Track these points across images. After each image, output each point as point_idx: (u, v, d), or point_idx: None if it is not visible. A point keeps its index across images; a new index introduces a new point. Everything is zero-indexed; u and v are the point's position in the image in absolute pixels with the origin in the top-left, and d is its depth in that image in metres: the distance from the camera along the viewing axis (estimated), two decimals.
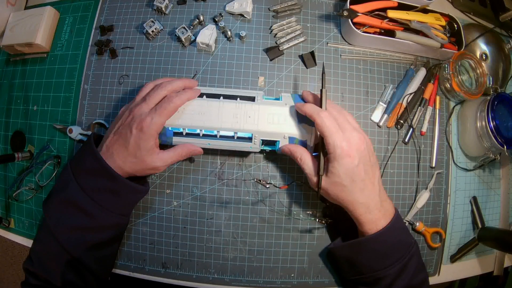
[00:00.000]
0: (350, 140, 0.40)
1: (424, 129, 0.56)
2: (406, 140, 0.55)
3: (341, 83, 0.56)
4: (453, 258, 0.56)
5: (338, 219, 0.51)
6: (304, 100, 0.47)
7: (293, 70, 0.55)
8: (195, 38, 0.54)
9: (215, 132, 0.46)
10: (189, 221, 0.52)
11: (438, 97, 0.57)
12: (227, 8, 0.57)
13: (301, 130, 0.45)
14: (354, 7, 0.53)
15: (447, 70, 0.56)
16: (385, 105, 0.56)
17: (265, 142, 0.48)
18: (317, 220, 0.52)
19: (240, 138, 0.47)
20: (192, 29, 0.56)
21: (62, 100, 0.55)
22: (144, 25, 0.54)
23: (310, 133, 0.45)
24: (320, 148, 0.43)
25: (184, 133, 0.46)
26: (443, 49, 0.55)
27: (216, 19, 0.56)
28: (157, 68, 0.55)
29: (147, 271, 0.51)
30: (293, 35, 0.56)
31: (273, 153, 0.50)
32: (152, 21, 0.55)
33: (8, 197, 0.55)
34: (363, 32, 0.54)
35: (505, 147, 0.51)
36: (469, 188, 0.58)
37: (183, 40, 0.54)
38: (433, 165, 0.56)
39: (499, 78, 0.61)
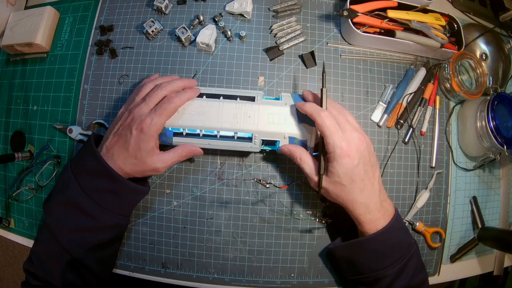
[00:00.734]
0: (350, 140, 0.40)
1: (424, 129, 0.56)
2: (406, 140, 0.55)
3: (341, 83, 0.56)
4: (453, 258, 0.56)
5: (338, 219, 0.51)
6: (304, 99, 0.47)
7: (293, 70, 0.55)
8: (195, 38, 0.54)
9: (215, 132, 0.46)
10: (189, 221, 0.52)
11: (438, 97, 0.58)
12: (227, 8, 0.57)
13: (301, 130, 0.45)
14: (354, 7, 0.53)
15: (447, 70, 0.56)
16: (385, 105, 0.56)
17: (265, 142, 0.48)
18: (317, 220, 0.52)
19: (240, 138, 0.47)
20: (192, 29, 0.56)
21: (62, 100, 0.55)
22: (144, 25, 0.54)
23: (310, 133, 0.45)
24: (320, 147, 0.43)
25: (184, 133, 0.46)
26: (443, 49, 0.55)
27: (216, 19, 0.56)
28: (157, 68, 0.55)
29: (147, 271, 0.51)
30: (293, 35, 0.56)
31: (273, 153, 0.50)
32: (152, 21, 0.55)
33: (8, 197, 0.55)
34: (363, 32, 0.54)
35: (505, 147, 0.51)
36: (469, 188, 0.58)
37: (183, 40, 0.54)
38: (433, 165, 0.56)
39: (499, 78, 0.61)
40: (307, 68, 0.55)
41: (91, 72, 0.55)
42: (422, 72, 0.57)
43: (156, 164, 0.43)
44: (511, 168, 0.61)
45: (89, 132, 0.53)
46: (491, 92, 0.58)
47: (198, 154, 0.47)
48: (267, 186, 0.52)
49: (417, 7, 0.54)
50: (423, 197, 0.54)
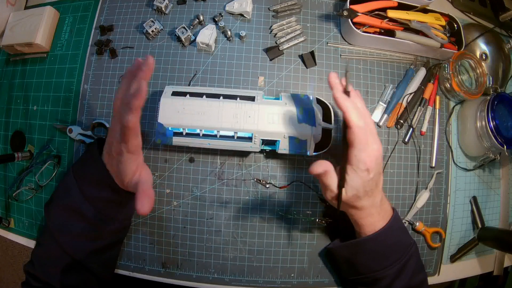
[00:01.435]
0: (371, 154, 0.38)
1: (424, 129, 0.56)
2: (406, 140, 0.55)
3: None
4: (453, 258, 0.56)
5: (338, 219, 0.51)
6: (304, 98, 0.46)
7: (293, 70, 0.55)
8: (195, 38, 0.54)
9: (215, 132, 0.46)
10: (189, 221, 0.52)
11: (438, 97, 0.57)
12: (227, 8, 0.57)
13: (301, 130, 0.45)
14: (354, 7, 0.53)
15: (447, 70, 0.56)
16: (385, 105, 0.56)
17: (265, 142, 0.48)
18: (317, 220, 0.52)
19: (240, 138, 0.47)
20: (192, 29, 0.56)
21: (62, 100, 0.55)
22: (144, 25, 0.54)
23: (310, 133, 0.45)
24: (343, 159, 0.40)
25: (184, 133, 0.46)
26: (443, 49, 0.55)
27: (216, 19, 0.56)
28: (157, 68, 0.55)
29: (147, 271, 0.51)
30: (293, 35, 0.56)
31: (273, 153, 0.50)
32: (152, 21, 0.55)
33: (8, 197, 0.55)
34: (363, 32, 0.54)
35: (505, 147, 0.51)
36: (469, 188, 0.58)
37: (183, 40, 0.54)
38: (433, 165, 0.56)
39: (499, 78, 0.61)
40: (307, 68, 0.55)
41: (91, 72, 0.55)
42: (422, 72, 0.57)
43: (130, 188, 0.40)
44: (511, 168, 0.61)
45: (89, 132, 0.53)
46: (491, 92, 0.58)
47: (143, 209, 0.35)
48: (267, 186, 0.52)
49: (417, 7, 0.54)
50: (423, 197, 0.54)
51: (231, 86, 0.54)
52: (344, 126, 0.39)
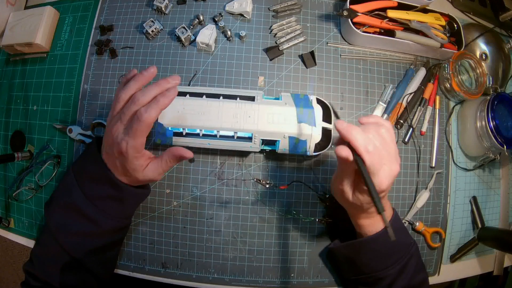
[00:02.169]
0: (386, 176, 0.36)
1: (424, 129, 0.56)
2: (406, 140, 0.55)
3: (341, 83, 0.56)
4: (453, 258, 0.56)
5: (338, 219, 0.51)
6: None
7: (293, 70, 0.55)
8: (195, 38, 0.54)
9: (215, 132, 0.46)
10: (189, 221, 0.52)
11: (438, 97, 0.57)
12: (227, 8, 0.57)
13: (301, 129, 0.45)
14: (354, 7, 0.53)
15: (447, 70, 0.56)
16: (385, 105, 0.56)
17: (265, 142, 0.48)
18: (317, 220, 0.52)
19: (240, 138, 0.47)
20: (192, 29, 0.56)
21: (62, 100, 0.55)
22: (144, 25, 0.54)
23: (310, 133, 0.45)
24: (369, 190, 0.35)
25: (184, 133, 0.46)
26: (443, 49, 0.55)
27: (216, 19, 0.56)
28: (157, 68, 0.54)
29: (147, 271, 0.51)
30: (293, 35, 0.56)
31: (273, 153, 0.50)
32: (152, 21, 0.55)
33: (8, 197, 0.55)
34: (363, 32, 0.54)
35: (505, 147, 0.51)
36: (469, 188, 0.58)
37: (183, 40, 0.54)
38: (433, 165, 0.56)
39: (499, 78, 0.61)
40: (307, 68, 0.55)
41: (91, 72, 0.55)
42: (422, 72, 0.57)
43: (148, 177, 0.41)
44: (511, 168, 0.61)
45: (89, 132, 0.53)
46: (491, 92, 0.58)
47: (186, 156, 0.41)
48: (267, 186, 0.52)
49: (417, 7, 0.54)
50: (423, 197, 0.54)
51: (231, 86, 0.54)
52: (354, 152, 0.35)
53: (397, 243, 0.43)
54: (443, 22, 0.55)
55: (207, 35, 0.53)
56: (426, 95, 0.56)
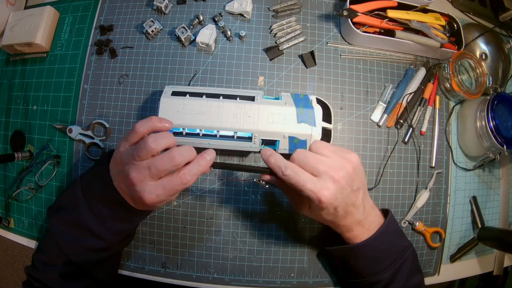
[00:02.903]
0: (325, 191, 0.36)
1: (424, 129, 0.56)
2: (406, 140, 0.55)
3: (341, 83, 0.56)
4: (453, 258, 0.56)
5: None
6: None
7: (293, 70, 0.55)
8: (195, 37, 0.54)
9: (215, 132, 0.46)
10: (189, 221, 0.52)
11: (438, 97, 0.57)
12: (226, 8, 0.57)
13: (301, 129, 0.45)
14: (354, 6, 0.53)
15: (447, 70, 0.56)
16: (385, 105, 0.56)
17: (265, 142, 0.48)
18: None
19: (240, 138, 0.47)
20: (191, 28, 0.56)
21: (62, 100, 0.55)
22: (144, 24, 0.54)
23: (310, 133, 0.45)
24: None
25: (184, 133, 0.46)
26: (443, 48, 0.55)
27: (216, 19, 0.56)
28: (157, 68, 0.55)
29: (147, 271, 0.51)
30: (293, 34, 0.56)
31: None
32: (152, 21, 0.55)
33: (8, 197, 0.55)
34: (363, 32, 0.54)
35: (505, 147, 0.51)
36: (469, 188, 0.58)
37: (183, 39, 0.54)
38: (433, 165, 0.56)
39: (499, 78, 0.61)
40: (307, 68, 0.55)
41: (91, 72, 0.55)
42: (422, 72, 0.57)
43: (157, 205, 0.40)
44: (511, 168, 0.61)
45: (89, 132, 0.53)
46: (491, 92, 0.58)
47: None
48: (267, 186, 0.52)
49: (417, 7, 0.54)
50: (423, 197, 0.54)
51: (231, 86, 0.54)
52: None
53: (391, 248, 0.43)
54: (443, 22, 0.55)
55: (207, 35, 0.53)
56: (426, 95, 0.56)
